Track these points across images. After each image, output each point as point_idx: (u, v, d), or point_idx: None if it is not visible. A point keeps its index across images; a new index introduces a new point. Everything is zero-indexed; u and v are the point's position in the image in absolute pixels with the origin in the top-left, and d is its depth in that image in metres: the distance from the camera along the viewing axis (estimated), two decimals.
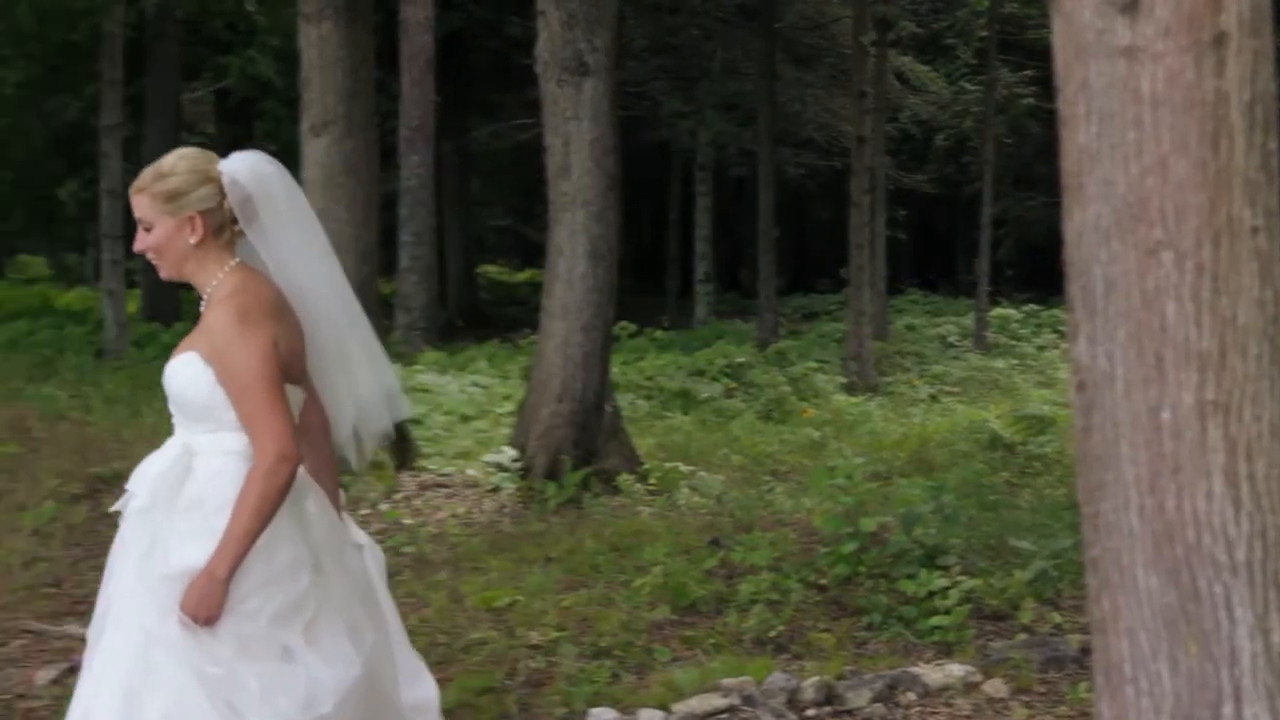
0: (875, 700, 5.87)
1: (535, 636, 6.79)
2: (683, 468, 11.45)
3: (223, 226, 3.96)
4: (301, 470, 3.93)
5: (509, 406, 14.09)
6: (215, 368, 3.83)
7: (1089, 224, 2.58)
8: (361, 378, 4.22)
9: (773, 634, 6.84)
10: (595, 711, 5.73)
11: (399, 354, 18.29)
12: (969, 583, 7.21)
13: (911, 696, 5.92)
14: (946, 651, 6.62)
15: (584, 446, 10.57)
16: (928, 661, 6.39)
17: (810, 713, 5.81)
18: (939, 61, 30.90)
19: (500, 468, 10.63)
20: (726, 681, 5.96)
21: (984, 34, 27.05)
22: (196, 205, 3.91)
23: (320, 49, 10.58)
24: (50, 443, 11.25)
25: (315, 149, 10.60)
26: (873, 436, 15.65)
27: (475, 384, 16.64)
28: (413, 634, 6.56)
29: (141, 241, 3.99)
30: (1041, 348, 25.38)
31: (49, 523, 8.84)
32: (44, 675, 6.07)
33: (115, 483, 4.01)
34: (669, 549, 8.19)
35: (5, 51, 22.09)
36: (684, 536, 8.65)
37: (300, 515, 3.93)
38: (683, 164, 32.67)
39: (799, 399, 18.33)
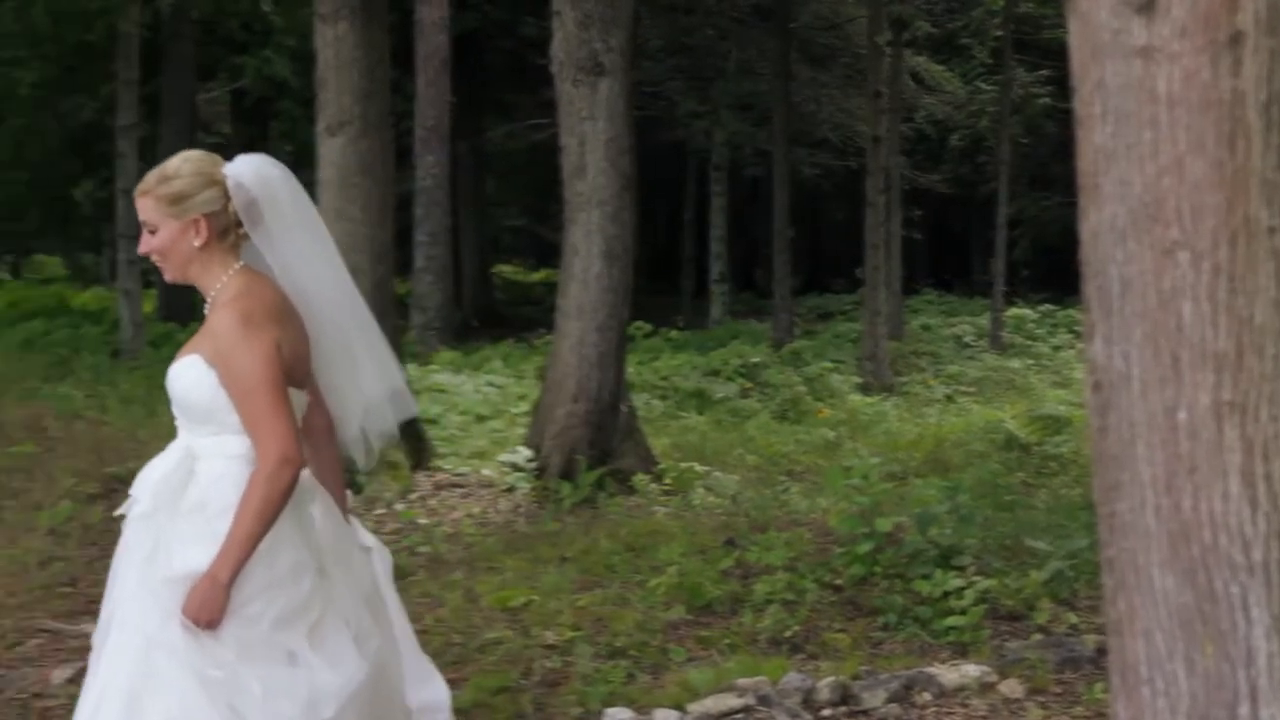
0: (890, 700, 5.87)
1: (550, 636, 6.80)
2: (698, 468, 11.45)
3: (227, 229, 3.95)
4: (306, 474, 3.93)
5: (524, 406, 14.10)
6: (218, 371, 3.83)
7: (1105, 224, 2.57)
8: (367, 379, 4.21)
9: (788, 634, 6.84)
10: (610, 711, 5.73)
11: (414, 354, 18.32)
12: (984, 583, 7.20)
13: (927, 697, 5.92)
14: (962, 652, 6.62)
15: (599, 446, 10.57)
16: (943, 662, 6.39)
17: (825, 713, 5.81)
18: (954, 61, 30.89)
19: (515, 467, 10.64)
20: (742, 681, 5.96)
21: (999, 33, 27.02)
22: (201, 208, 3.90)
23: (336, 49, 10.59)
24: (66, 442, 11.28)
25: (331, 149, 10.61)
26: (888, 437, 15.65)
27: (490, 384, 16.65)
28: (428, 633, 6.58)
29: (146, 244, 3.98)
30: (1057, 348, 25.35)
31: (65, 522, 8.87)
32: (60, 674, 6.09)
33: (131, 482, 4.01)
34: (684, 549, 8.19)
35: (21, 52, 22.13)
36: (699, 536, 8.65)
37: (303, 519, 3.93)
38: (698, 164, 32.68)
39: (814, 399, 18.33)
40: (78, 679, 5.88)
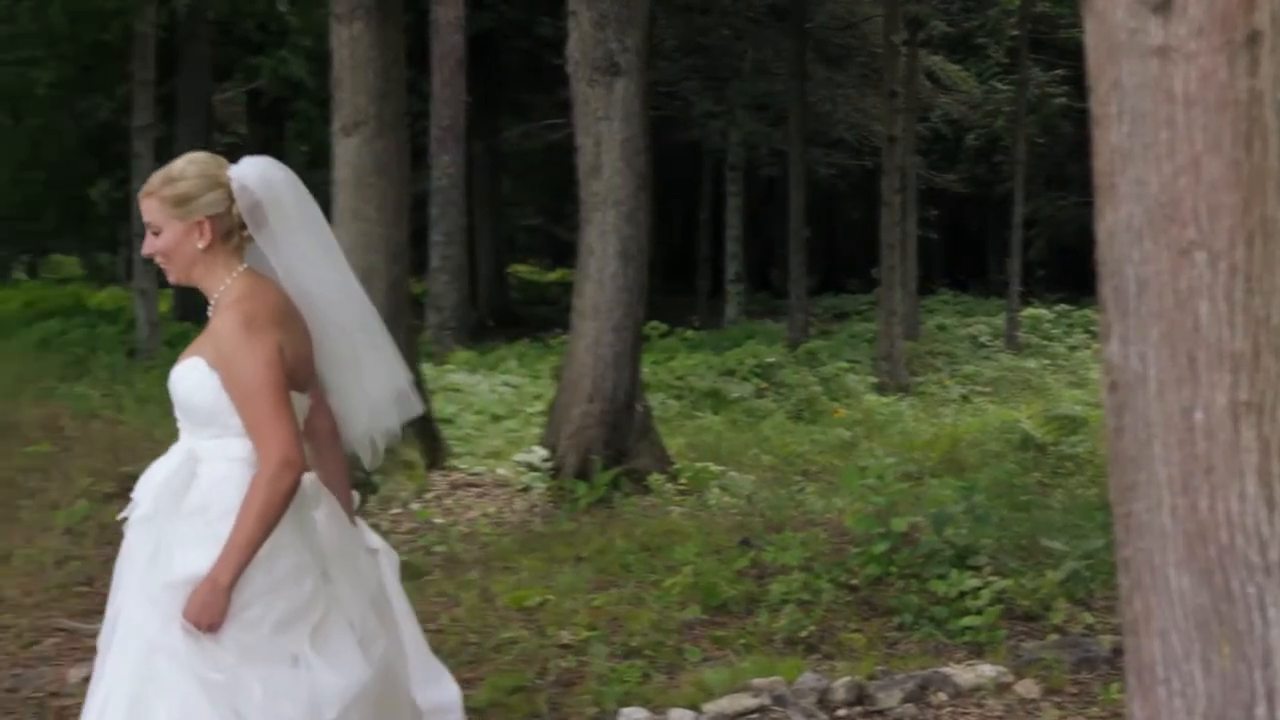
0: (906, 700, 5.86)
1: (566, 636, 6.80)
2: (713, 467, 11.44)
3: (231, 232, 3.95)
4: (310, 477, 3.93)
5: (540, 406, 14.11)
6: (220, 373, 3.83)
7: (1121, 224, 2.57)
8: (371, 381, 4.20)
9: (804, 634, 6.83)
10: (626, 711, 5.73)
11: (430, 354, 18.33)
12: (1000, 583, 7.19)
13: (943, 697, 5.91)
14: (978, 652, 6.61)
15: (615, 446, 10.58)
16: (959, 662, 6.38)
17: (841, 713, 5.80)
18: (970, 61, 30.82)
19: (531, 467, 10.65)
20: (757, 681, 5.95)
21: (1015, 33, 26.95)
22: (205, 210, 3.90)
23: (352, 49, 10.60)
24: (83, 442, 11.32)
25: (346, 149, 10.62)
26: (904, 437, 15.61)
27: (506, 383, 16.66)
28: (444, 633, 6.60)
29: (150, 245, 3.99)
30: (1073, 348, 25.27)
31: (81, 521, 8.88)
32: (76, 673, 6.10)
33: None
34: (700, 549, 8.19)
35: (38, 52, 22.16)
36: (715, 536, 8.65)
37: (304, 522, 3.92)
38: (713, 164, 32.65)
39: (830, 399, 18.29)
40: None
